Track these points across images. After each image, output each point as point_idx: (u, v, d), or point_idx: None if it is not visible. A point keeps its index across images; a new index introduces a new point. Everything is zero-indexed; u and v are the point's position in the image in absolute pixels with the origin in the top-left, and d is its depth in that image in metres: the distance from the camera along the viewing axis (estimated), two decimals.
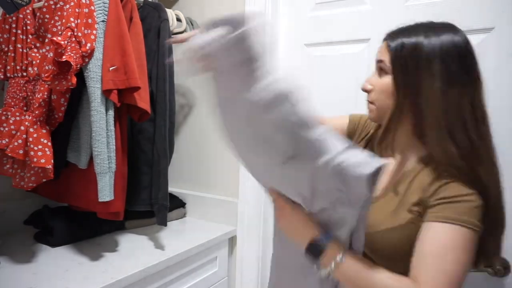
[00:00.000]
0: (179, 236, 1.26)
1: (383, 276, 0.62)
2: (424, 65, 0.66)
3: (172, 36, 1.28)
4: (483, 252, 0.66)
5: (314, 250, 0.65)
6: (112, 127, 0.95)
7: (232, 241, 1.39)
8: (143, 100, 1.01)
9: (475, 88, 0.67)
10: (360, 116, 0.91)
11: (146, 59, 1.09)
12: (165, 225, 1.16)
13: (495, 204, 0.65)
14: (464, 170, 0.64)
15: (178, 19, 1.30)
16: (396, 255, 0.67)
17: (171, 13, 1.26)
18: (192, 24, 1.37)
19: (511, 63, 0.98)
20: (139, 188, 1.19)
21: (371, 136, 0.85)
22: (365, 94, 0.77)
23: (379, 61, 0.73)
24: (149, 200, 1.19)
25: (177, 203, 1.48)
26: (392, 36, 0.71)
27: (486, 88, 1.03)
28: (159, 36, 1.16)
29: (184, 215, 1.50)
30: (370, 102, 0.75)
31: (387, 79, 0.70)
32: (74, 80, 0.86)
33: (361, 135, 0.88)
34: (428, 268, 0.60)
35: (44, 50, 0.99)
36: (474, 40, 1.02)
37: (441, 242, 0.60)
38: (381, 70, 0.72)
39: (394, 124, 0.70)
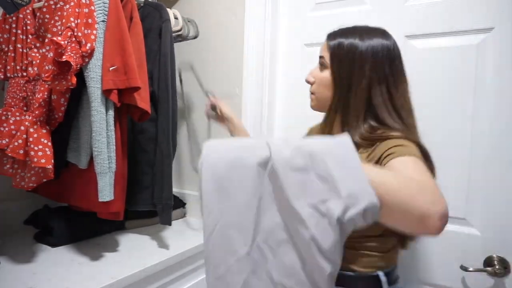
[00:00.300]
0: (179, 236, 1.26)
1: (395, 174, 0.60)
2: (358, 64, 0.76)
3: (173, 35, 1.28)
4: None
5: None
6: (112, 127, 0.95)
7: None
8: (143, 100, 1.01)
9: (401, 86, 0.77)
10: (309, 129, 1.05)
11: (147, 59, 1.09)
12: (170, 224, 1.16)
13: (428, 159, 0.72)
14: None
15: (176, 18, 1.30)
16: None
17: (170, 13, 1.26)
18: (189, 23, 1.37)
19: (511, 63, 0.98)
20: (140, 188, 1.19)
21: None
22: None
23: (321, 57, 0.83)
24: (150, 200, 1.19)
25: (177, 203, 1.48)
26: (332, 36, 0.81)
27: (486, 87, 1.04)
28: (161, 37, 1.16)
29: (184, 215, 1.50)
30: (312, 93, 0.86)
31: (326, 73, 0.81)
32: (74, 80, 0.86)
33: None
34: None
35: (44, 50, 0.99)
36: (474, 40, 1.03)
37: (408, 164, 0.63)
38: (321, 65, 0.83)
39: (333, 114, 0.81)
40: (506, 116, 0.99)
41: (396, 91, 0.77)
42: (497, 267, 0.98)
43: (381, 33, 0.79)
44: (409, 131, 0.75)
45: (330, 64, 0.80)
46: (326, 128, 0.84)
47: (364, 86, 0.75)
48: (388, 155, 0.67)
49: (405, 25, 1.12)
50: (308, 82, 0.87)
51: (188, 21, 1.38)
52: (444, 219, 0.52)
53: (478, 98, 1.02)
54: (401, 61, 0.79)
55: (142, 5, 1.22)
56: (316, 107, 0.87)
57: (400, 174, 0.60)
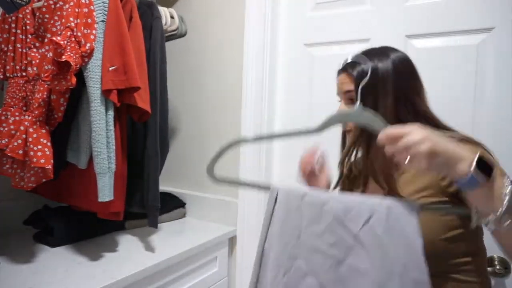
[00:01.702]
0: (179, 236, 1.26)
1: None
2: (380, 85, 0.73)
3: (166, 35, 1.26)
4: None
5: (484, 166, 0.54)
6: (111, 127, 0.95)
7: (232, 241, 1.39)
8: (143, 100, 1.01)
9: (422, 94, 0.77)
10: None
11: None
12: (156, 227, 1.13)
13: None
14: None
15: (172, 17, 1.30)
16: None
17: (164, 11, 1.25)
18: (183, 22, 1.36)
19: (511, 63, 0.98)
20: (133, 189, 1.16)
21: None
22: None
23: (348, 92, 0.77)
24: (141, 202, 1.16)
25: (177, 203, 1.48)
26: (350, 66, 0.77)
27: (486, 87, 1.04)
28: (151, 34, 1.13)
29: (184, 215, 1.50)
30: (350, 130, 0.81)
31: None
32: (74, 80, 0.86)
33: None
34: None
35: (43, 50, 0.99)
36: (474, 40, 1.03)
37: None
38: (350, 100, 0.78)
39: (362, 144, 0.77)
40: (506, 115, 0.99)
41: (420, 99, 0.76)
42: (497, 267, 0.98)
43: (393, 49, 0.78)
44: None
45: (359, 95, 0.73)
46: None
47: (389, 105, 0.73)
48: None
49: (405, 25, 1.12)
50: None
51: (182, 20, 1.37)
52: None
53: (478, 98, 1.02)
54: (417, 71, 0.78)
55: (137, 4, 1.20)
56: None
57: None
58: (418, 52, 1.10)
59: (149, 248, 1.12)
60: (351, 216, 0.63)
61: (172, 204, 1.46)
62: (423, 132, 0.54)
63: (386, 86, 0.73)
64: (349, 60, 0.79)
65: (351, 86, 0.77)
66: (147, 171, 1.13)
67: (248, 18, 1.36)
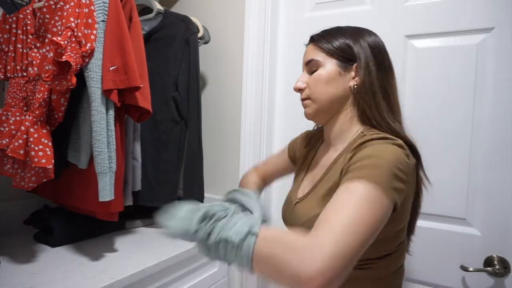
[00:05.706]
0: None
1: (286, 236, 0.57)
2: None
3: None
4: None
5: None
6: (112, 127, 0.95)
7: None
8: (145, 100, 1.01)
9: (392, 76, 0.77)
10: (294, 140, 1.01)
11: (171, 66, 1.25)
12: None
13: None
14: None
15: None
16: None
17: (196, 23, 1.34)
18: (207, 31, 1.42)
19: (511, 63, 0.98)
20: (160, 185, 1.29)
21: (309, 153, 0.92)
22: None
23: (310, 61, 0.78)
24: (170, 196, 1.29)
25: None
26: (318, 38, 0.78)
27: (486, 87, 1.04)
28: (190, 47, 1.27)
29: None
30: (306, 99, 0.80)
31: (323, 70, 0.76)
32: (74, 80, 0.86)
33: (301, 157, 0.94)
34: (328, 219, 0.55)
35: (44, 50, 0.99)
36: (474, 40, 1.03)
37: (344, 197, 0.58)
38: (311, 68, 0.78)
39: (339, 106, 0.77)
40: (506, 116, 0.99)
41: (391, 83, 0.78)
42: (497, 267, 0.98)
43: (369, 31, 0.78)
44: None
45: (335, 54, 0.75)
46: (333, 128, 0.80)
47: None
48: (349, 171, 0.62)
49: (405, 25, 1.13)
50: (299, 89, 0.81)
51: (207, 30, 1.44)
52: (321, 277, 0.49)
53: (478, 98, 1.03)
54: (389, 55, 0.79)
55: (162, 12, 1.30)
56: (314, 112, 0.79)
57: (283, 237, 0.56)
58: (418, 52, 1.11)
59: (149, 248, 1.12)
60: None
61: None
62: None
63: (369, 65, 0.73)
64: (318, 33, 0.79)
65: (315, 55, 0.77)
66: (193, 168, 1.27)
67: (248, 18, 1.36)
